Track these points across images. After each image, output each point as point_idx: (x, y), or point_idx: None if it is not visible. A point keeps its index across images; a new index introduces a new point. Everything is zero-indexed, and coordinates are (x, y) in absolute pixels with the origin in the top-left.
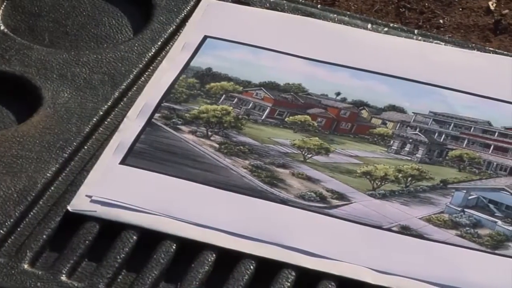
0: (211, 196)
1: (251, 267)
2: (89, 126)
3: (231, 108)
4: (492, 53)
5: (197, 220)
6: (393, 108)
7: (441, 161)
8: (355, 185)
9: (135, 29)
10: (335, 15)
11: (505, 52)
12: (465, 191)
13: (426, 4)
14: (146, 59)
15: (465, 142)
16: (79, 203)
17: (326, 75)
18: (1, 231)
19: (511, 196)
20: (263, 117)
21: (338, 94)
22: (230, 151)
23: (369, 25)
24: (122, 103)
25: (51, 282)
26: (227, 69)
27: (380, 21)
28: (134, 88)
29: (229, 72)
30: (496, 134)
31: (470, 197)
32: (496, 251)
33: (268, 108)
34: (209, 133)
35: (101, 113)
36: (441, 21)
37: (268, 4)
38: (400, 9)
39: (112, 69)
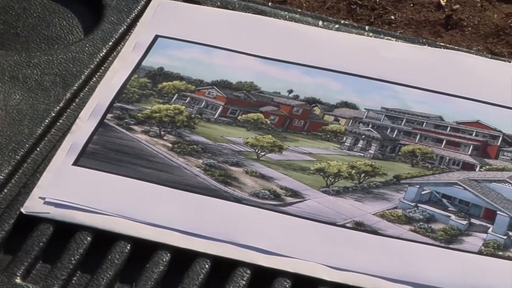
0: (164, 196)
1: (206, 266)
2: (41, 128)
3: (184, 107)
4: (443, 48)
5: (151, 220)
6: (345, 104)
7: (394, 156)
8: (308, 182)
9: (86, 30)
10: (286, 13)
11: (456, 47)
12: (418, 186)
13: (377, 0)
14: (98, 60)
15: (418, 137)
16: (32, 205)
17: (278, 72)
18: None
19: (464, 191)
20: (216, 115)
21: (290, 91)
22: (183, 151)
23: (320, 22)
24: (74, 104)
25: (6, 284)
26: (179, 69)
27: (331, 18)
28: (86, 89)
29: (181, 71)
30: (448, 128)
31: (423, 192)
32: (450, 246)
33: (221, 106)
34: (162, 133)
35: (53, 114)
36: (392, 17)
37: (219, 3)
38: (352, 6)
39: (64, 70)
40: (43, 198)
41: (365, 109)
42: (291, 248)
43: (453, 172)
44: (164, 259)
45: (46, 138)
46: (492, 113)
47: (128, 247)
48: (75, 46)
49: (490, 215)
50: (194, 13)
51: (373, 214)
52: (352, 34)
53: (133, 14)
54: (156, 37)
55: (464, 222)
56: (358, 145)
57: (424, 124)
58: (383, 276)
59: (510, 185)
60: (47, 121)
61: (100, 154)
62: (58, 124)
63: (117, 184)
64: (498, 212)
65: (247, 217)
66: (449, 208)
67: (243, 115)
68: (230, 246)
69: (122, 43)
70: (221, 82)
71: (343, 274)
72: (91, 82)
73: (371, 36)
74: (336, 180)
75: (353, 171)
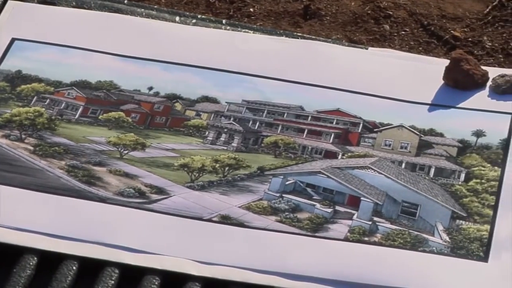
0: (28, 199)
1: (74, 267)
2: None
3: (44, 109)
4: (301, 39)
5: (16, 225)
6: (206, 99)
7: (257, 148)
8: (173, 178)
9: None
10: (142, 10)
11: (314, 37)
12: (282, 177)
13: None
14: None
15: (279, 128)
16: None
17: (137, 70)
18: None
19: (327, 179)
20: (77, 116)
21: (150, 88)
22: (45, 153)
23: (177, 18)
24: None
25: None
26: (37, 71)
27: (188, 13)
28: None
29: (40, 73)
30: (309, 118)
31: (287, 183)
32: (316, 234)
33: (81, 107)
34: (23, 136)
35: None
36: (251, 9)
37: (74, 3)
38: (210, 0)
39: None
40: None
41: (226, 102)
42: (158, 245)
43: (316, 161)
44: (31, 263)
45: None
46: (352, 101)
47: None
48: None
49: (354, 202)
50: (50, 14)
51: (239, 207)
52: (210, 28)
53: None
54: (13, 40)
55: (329, 210)
56: (221, 138)
57: (285, 114)
58: (251, 268)
59: (372, 171)
60: None
61: None
62: None
63: None
64: (362, 198)
65: (112, 217)
66: (314, 197)
67: (104, 114)
68: (97, 247)
69: None
70: (80, 82)
71: (212, 268)
72: None
73: (228, 30)
74: (201, 174)
75: (217, 165)
